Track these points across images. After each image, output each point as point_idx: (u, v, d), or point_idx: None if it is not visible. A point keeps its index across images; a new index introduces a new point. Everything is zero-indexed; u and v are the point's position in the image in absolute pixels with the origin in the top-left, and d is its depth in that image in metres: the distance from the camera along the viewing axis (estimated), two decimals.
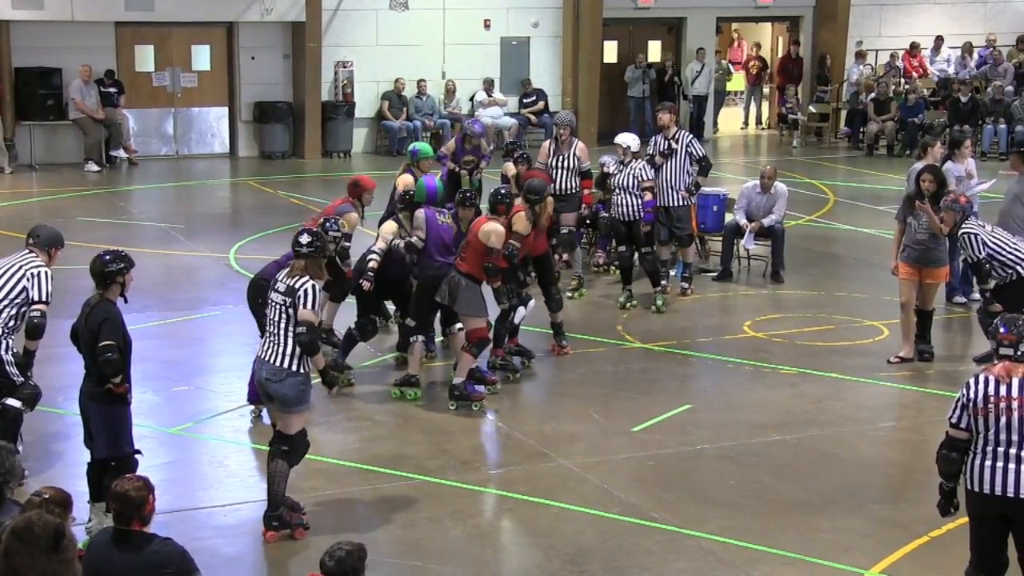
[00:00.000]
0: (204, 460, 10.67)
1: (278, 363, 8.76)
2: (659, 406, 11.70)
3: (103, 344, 8.50)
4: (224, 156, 26.26)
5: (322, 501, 9.60)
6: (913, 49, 29.81)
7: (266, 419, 11.18)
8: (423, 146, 14.45)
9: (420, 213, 11.95)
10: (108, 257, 8.74)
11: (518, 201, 12.26)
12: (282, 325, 8.79)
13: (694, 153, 15.15)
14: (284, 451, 8.83)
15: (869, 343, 13.76)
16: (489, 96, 27.08)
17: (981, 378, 7.31)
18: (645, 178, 14.38)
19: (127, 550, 6.23)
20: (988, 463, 7.23)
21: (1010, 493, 7.17)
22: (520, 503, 9.68)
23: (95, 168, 24.25)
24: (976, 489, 7.30)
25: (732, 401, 12.03)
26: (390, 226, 12.35)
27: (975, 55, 29.85)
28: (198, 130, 26.38)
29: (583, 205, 15.36)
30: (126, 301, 8.83)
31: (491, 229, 11.55)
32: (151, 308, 14.63)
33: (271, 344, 8.85)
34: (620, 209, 14.48)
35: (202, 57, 26.15)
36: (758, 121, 32.08)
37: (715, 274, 16.22)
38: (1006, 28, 30.81)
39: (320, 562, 6.21)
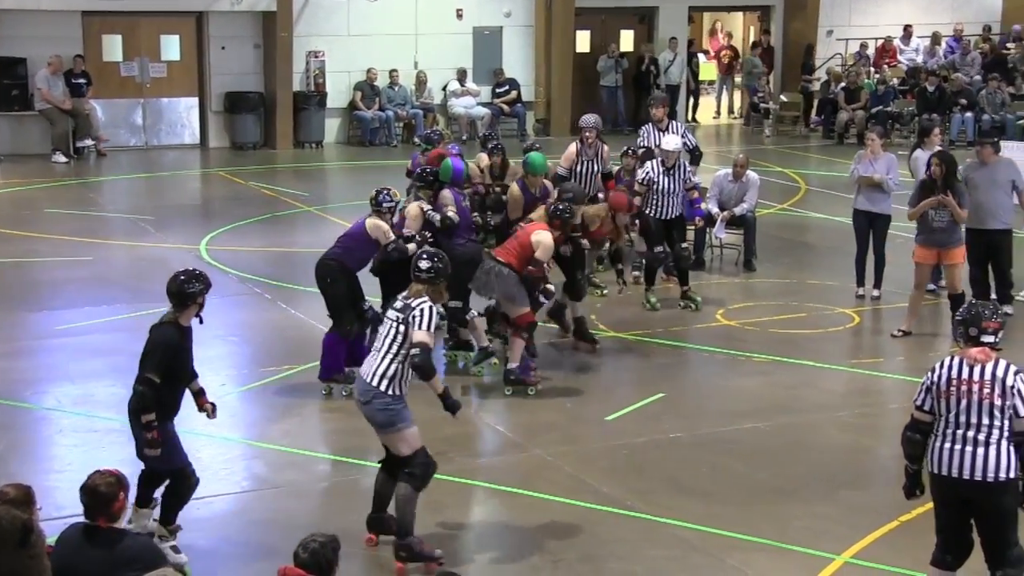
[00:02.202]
0: None
1: (369, 380, 8.33)
2: (632, 395, 11.71)
3: (143, 375, 8.18)
4: (194, 147, 26.14)
5: (296, 493, 9.57)
6: (887, 42, 29.93)
7: (336, 395, 11.51)
8: (536, 158, 13.67)
9: (447, 192, 12.31)
10: (184, 277, 8.43)
11: (514, 186, 12.62)
12: (387, 342, 8.35)
13: (687, 143, 15.16)
14: (407, 474, 8.36)
15: (841, 330, 13.82)
16: (462, 86, 27.04)
17: (947, 360, 7.38)
18: (691, 179, 14.43)
19: (97, 545, 6.18)
20: (947, 445, 7.29)
21: (966, 475, 7.22)
22: (494, 493, 9.69)
23: (63, 159, 24.06)
24: (937, 472, 7.37)
25: (705, 389, 12.06)
26: (415, 208, 12.34)
27: (943, 44, 29.99)
28: (168, 120, 26.24)
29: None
30: (201, 322, 8.59)
31: (542, 240, 11.71)
32: (120, 300, 14.59)
33: (371, 360, 8.44)
34: (663, 210, 14.12)
35: (171, 47, 26.00)
36: (730, 110, 32.14)
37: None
38: (973, 18, 31.00)
39: (294, 554, 6.19)
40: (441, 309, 11.65)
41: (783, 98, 29.37)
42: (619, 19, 29.62)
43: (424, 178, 12.67)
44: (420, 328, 8.24)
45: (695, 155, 15.39)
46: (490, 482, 9.84)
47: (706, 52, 34.07)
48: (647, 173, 14.08)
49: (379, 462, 8.72)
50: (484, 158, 16.13)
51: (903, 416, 11.49)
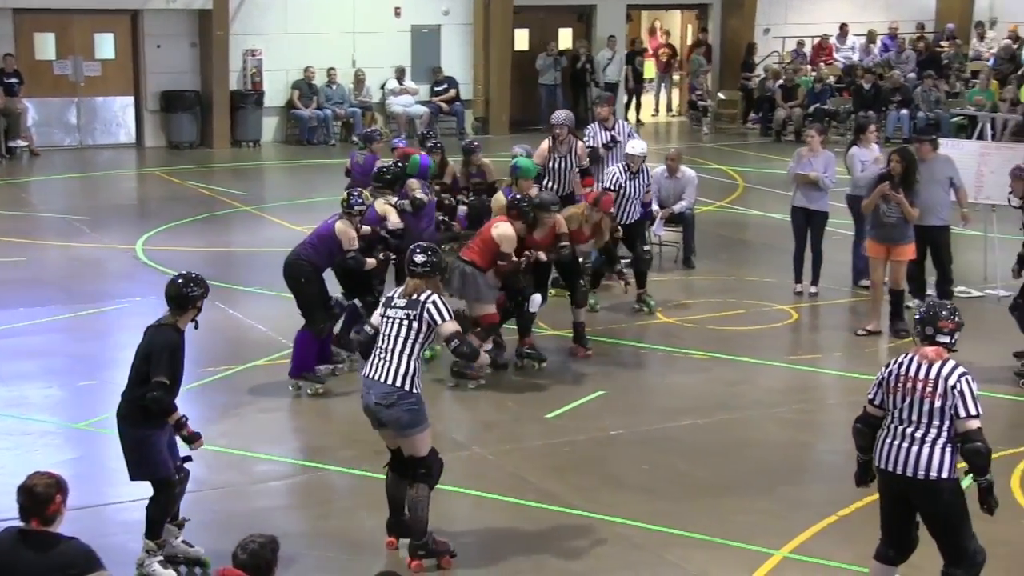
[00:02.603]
0: (112, 455, 10.41)
1: (389, 382, 8.11)
2: (573, 393, 11.72)
3: (154, 380, 7.98)
4: (130, 146, 25.92)
5: (235, 494, 9.51)
6: (824, 40, 30.15)
7: (304, 394, 11.50)
8: (525, 163, 13.26)
9: (414, 181, 12.68)
10: (183, 281, 8.26)
11: (500, 195, 12.74)
12: (399, 341, 8.16)
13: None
14: (423, 474, 8.29)
15: (779, 327, 13.89)
16: (400, 84, 26.98)
17: (903, 357, 7.41)
18: (650, 182, 14.49)
19: (31, 549, 6.08)
20: (889, 440, 7.33)
21: (899, 471, 7.26)
22: (435, 492, 9.62)
23: None
24: (878, 465, 7.42)
25: (645, 386, 12.09)
26: (385, 206, 12.45)
27: (878, 43, 30.25)
28: (103, 120, 26.00)
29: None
30: (196, 327, 8.42)
31: (503, 232, 11.70)
32: (56, 301, 14.45)
33: (382, 362, 8.20)
34: (627, 213, 14.03)
35: (106, 45, 25.77)
36: (668, 108, 32.26)
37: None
38: (907, 16, 31.31)
39: (232, 555, 6.14)
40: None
41: (721, 96, 29.50)
42: (558, 17, 29.66)
43: (382, 177, 12.73)
44: (444, 320, 8.19)
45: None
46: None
47: (644, 51, 34.14)
48: (616, 177, 14.01)
49: (385, 465, 8.60)
50: None
51: (841, 412, 11.65)
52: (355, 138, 23.11)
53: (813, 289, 14.89)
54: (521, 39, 29.06)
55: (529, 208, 11.97)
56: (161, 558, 8.23)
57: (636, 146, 14.22)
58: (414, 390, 8.18)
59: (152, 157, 25.02)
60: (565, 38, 29.58)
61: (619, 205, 13.88)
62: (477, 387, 11.74)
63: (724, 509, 9.31)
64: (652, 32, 35.29)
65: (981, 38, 30.19)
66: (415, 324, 8.18)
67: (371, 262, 11.81)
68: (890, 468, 7.31)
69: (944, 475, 7.18)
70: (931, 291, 14.36)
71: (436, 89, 27.43)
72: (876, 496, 9.45)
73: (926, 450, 7.20)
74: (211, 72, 25.46)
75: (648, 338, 13.34)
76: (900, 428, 7.30)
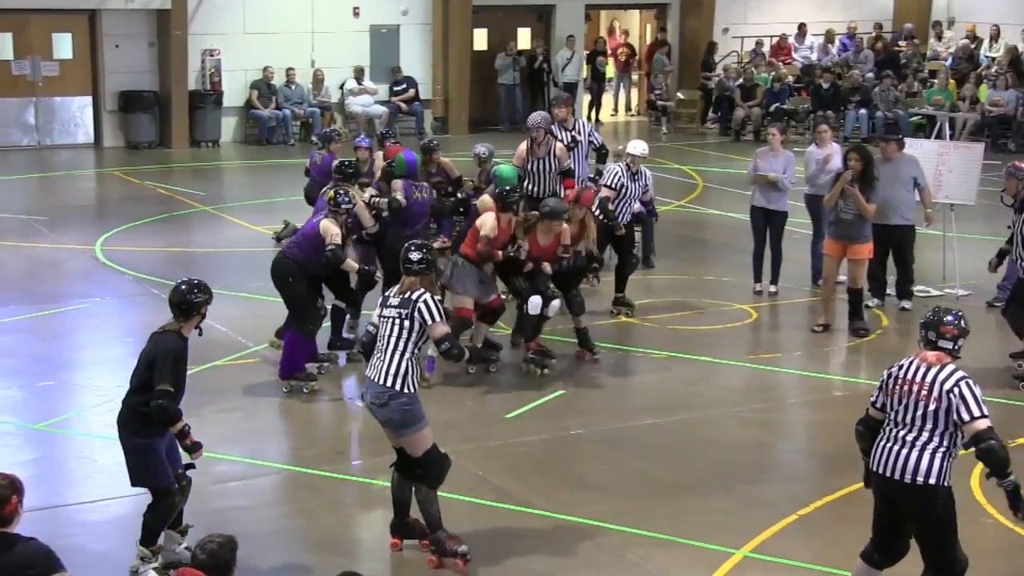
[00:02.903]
0: (71, 456, 10.49)
1: (381, 381, 8.16)
2: (532, 392, 11.73)
3: (158, 389, 7.85)
4: (88, 146, 25.76)
5: (194, 494, 9.47)
6: (782, 40, 30.27)
7: (300, 392, 11.50)
8: (506, 171, 13.10)
9: (398, 182, 12.81)
10: (187, 287, 8.15)
11: (486, 197, 12.68)
12: (392, 340, 8.20)
13: (594, 142, 15.08)
14: (419, 475, 8.31)
15: (738, 326, 13.94)
16: (359, 84, 26.93)
17: (906, 360, 7.31)
18: (649, 185, 14.48)
19: None
20: (884, 443, 7.26)
21: (888, 473, 7.20)
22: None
23: None
24: (873, 467, 7.33)
25: (605, 386, 12.11)
26: (360, 204, 12.60)
27: (837, 42, 30.40)
28: (61, 120, 25.82)
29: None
30: (200, 334, 8.34)
31: (484, 220, 11.87)
32: (14, 302, 14.37)
33: (378, 361, 8.26)
34: (624, 215, 13.98)
35: (64, 45, 25.60)
36: (628, 108, 32.32)
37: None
38: (866, 16, 31.46)
39: (191, 555, 6.14)
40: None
41: (680, 96, 29.58)
42: (516, 17, 29.67)
43: (343, 170, 12.86)
44: (435, 320, 8.21)
45: (601, 153, 15.35)
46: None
47: (605, 51, 34.20)
48: (618, 176, 13.88)
49: (391, 465, 8.56)
50: (382, 156, 16.05)
51: (800, 411, 11.74)
52: (314, 138, 23.04)
53: (772, 288, 14.96)
54: (480, 39, 29.04)
55: (515, 200, 12.06)
56: (156, 565, 8.14)
57: (637, 146, 14.12)
58: (406, 389, 8.18)
59: (111, 157, 24.88)
60: (524, 38, 29.59)
61: (619, 205, 13.86)
62: (429, 386, 11.74)
63: (684, 508, 9.35)
64: (611, 32, 35.36)
65: (939, 37, 30.37)
66: (407, 323, 8.21)
67: (351, 263, 11.86)
68: (882, 471, 7.24)
69: (933, 481, 7.09)
70: (891, 291, 14.47)
71: (395, 89, 27.38)
72: (835, 495, 9.58)
73: (915, 454, 7.12)
74: (170, 72, 25.35)
75: (608, 337, 13.35)
76: (895, 431, 7.24)
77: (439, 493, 8.42)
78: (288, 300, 11.78)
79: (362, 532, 9.17)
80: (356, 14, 27.28)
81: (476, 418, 11.20)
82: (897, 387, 7.25)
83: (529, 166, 14.20)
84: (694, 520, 9.12)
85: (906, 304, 14.35)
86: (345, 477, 9.83)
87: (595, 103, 30.41)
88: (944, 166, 14.81)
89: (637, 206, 14.83)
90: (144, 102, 25.51)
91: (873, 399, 7.46)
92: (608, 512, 9.19)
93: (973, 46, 29.14)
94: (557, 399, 11.60)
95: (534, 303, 11.94)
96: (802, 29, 30.49)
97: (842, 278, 14.01)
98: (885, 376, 7.37)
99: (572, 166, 14.35)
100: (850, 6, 31.62)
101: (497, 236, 11.83)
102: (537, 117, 14.49)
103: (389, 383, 8.16)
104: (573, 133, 14.84)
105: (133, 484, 8.21)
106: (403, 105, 27.31)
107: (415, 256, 8.41)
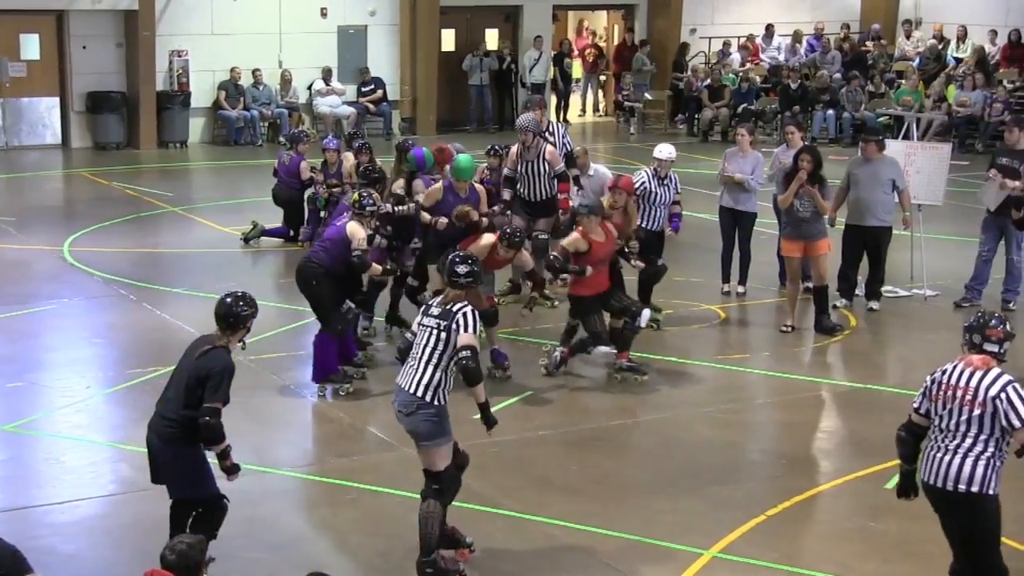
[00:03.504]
0: (40, 457, 10.44)
1: (411, 390, 8.07)
2: (500, 393, 11.71)
3: (208, 406, 7.68)
4: (56, 147, 25.64)
5: (163, 495, 9.45)
6: (750, 40, 30.38)
7: (329, 396, 11.51)
8: (465, 161, 12.92)
9: (419, 181, 12.91)
10: (232, 300, 7.99)
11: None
12: (427, 350, 8.09)
13: (567, 145, 15.00)
14: (435, 490, 8.15)
15: (707, 326, 13.98)
16: (327, 85, 26.90)
17: (950, 365, 7.23)
18: (679, 190, 13.90)
19: None
20: (930, 451, 7.16)
21: (931, 480, 7.12)
22: (363, 493, 9.66)
23: None
24: (923, 477, 7.23)
25: (573, 386, 12.11)
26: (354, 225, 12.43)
27: (804, 43, 30.51)
28: (28, 121, 25.69)
29: (561, 211, 14.09)
30: (244, 347, 8.22)
31: (481, 241, 11.71)
32: None
33: (410, 370, 8.16)
34: (653, 221, 13.51)
35: (31, 46, 25.47)
36: (595, 108, 32.36)
37: None
38: (833, 16, 31.57)
39: (160, 556, 6.13)
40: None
41: (648, 96, 29.63)
42: (484, 18, 29.68)
43: (368, 175, 13.19)
44: (466, 331, 8.07)
45: (569, 158, 15.24)
46: (360, 482, 9.80)
47: (568, 53, 34.23)
48: (643, 182, 13.43)
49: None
50: (350, 157, 16.06)
51: (768, 412, 11.78)
52: (282, 139, 22.98)
53: (741, 289, 15.00)
54: (448, 39, 29.04)
55: (521, 240, 11.89)
56: None
57: (663, 150, 13.58)
58: (436, 401, 8.11)
59: (78, 158, 24.78)
60: (492, 39, 29.59)
61: (644, 212, 13.47)
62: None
63: (653, 509, 9.37)
64: (579, 32, 35.40)
65: (908, 36, 30.52)
66: (443, 335, 8.11)
67: (376, 268, 11.87)
68: (930, 480, 7.14)
69: (977, 488, 6.99)
70: (859, 291, 14.54)
71: (363, 90, 27.36)
72: (803, 496, 9.64)
73: (957, 460, 7.02)
74: (137, 73, 25.27)
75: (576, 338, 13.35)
76: (940, 438, 7.13)
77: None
78: (313, 304, 11.79)
79: (330, 533, 9.16)
80: (324, 15, 27.26)
81: None
82: (942, 392, 7.15)
83: (520, 169, 14.19)
84: (662, 521, 9.14)
85: (874, 305, 14.42)
86: (313, 478, 9.82)
87: (562, 104, 30.43)
88: (912, 166, 14.88)
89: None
90: (112, 103, 25.43)
91: (916, 405, 7.36)
92: (576, 513, 9.21)
93: (940, 46, 29.29)
94: (525, 399, 11.61)
95: (646, 315, 11.82)
96: (769, 30, 30.60)
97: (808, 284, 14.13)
98: (929, 382, 7.27)
99: (564, 169, 14.17)
100: (817, 6, 31.74)
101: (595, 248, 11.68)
102: (526, 119, 14.39)
103: (419, 393, 8.08)
104: (546, 135, 14.76)
105: (179, 496, 8.04)
106: (371, 106, 27.29)
107: (462, 269, 8.33)
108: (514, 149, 14.32)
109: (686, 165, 24.52)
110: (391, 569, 8.46)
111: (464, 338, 8.06)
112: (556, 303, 14.30)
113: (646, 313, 11.95)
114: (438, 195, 12.71)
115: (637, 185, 13.31)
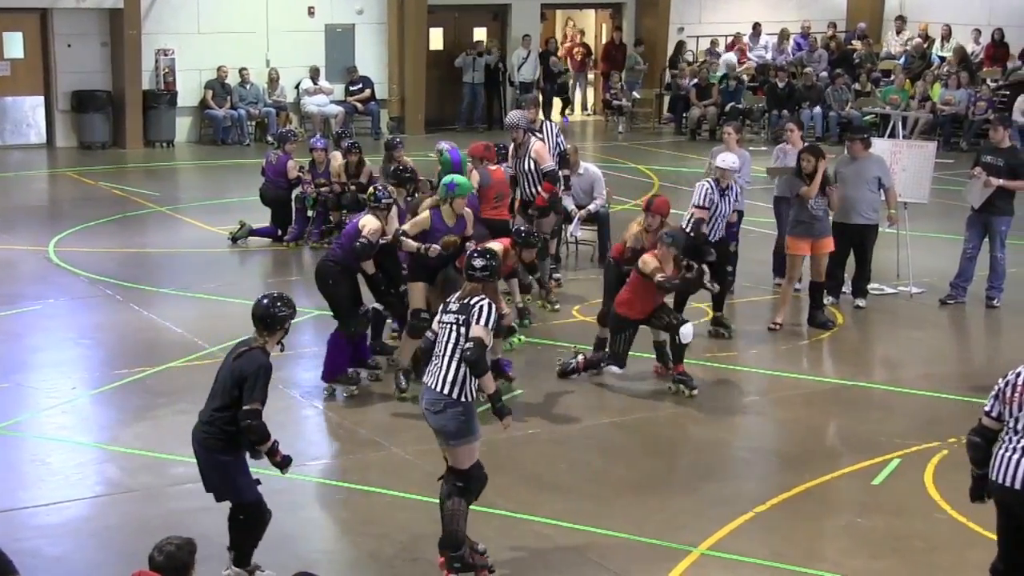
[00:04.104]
0: (25, 458, 10.39)
1: (438, 389, 8.07)
2: None
3: (248, 408, 7.65)
4: (40, 147, 25.52)
5: (150, 496, 9.43)
6: (737, 39, 30.41)
7: (339, 397, 11.46)
8: (462, 181, 12.16)
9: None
10: (268, 301, 7.93)
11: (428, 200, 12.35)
12: (450, 346, 8.11)
13: (560, 144, 14.95)
14: (459, 487, 8.11)
15: (696, 325, 13.92)
16: (315, 84, 26.84)
17: (1020, 367, 7.18)
18: (740, 199, 13.64)
19: None
20: (1002, 452, 7.10)
21: (1001, 479, 7.05)
22: (353, 492, 9.64)
23: None
24: (992, 478, 7.16)
25: (563, 385, 12.09)
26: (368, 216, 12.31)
27: (791, 41, 30.55)
28: (12, 120, 25.56)
29: (535, 207, 14.07)
30: (282, 349, 8.15)
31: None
32: None
33: (435, 368, 8.18)
34: (713, 232, 13.00)
35: (15, 44, 25.35)
36: (584, 107, 32.36)
37: None
38: (820, 15, 31.62)
39: (149, 557, 6.10)
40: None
41: (636, 95, 29.63)
42: (472, 16, 29.65)
43: (399, 175, 13.00)
44: (479, 323, 8.09)
45: (565, 157, 15.21)
46: (348, 481, 9.78)
47: (555, 52, 34.22)
48: (708, 192, 12.86)
49: (440, 478, 8.36)
50: (339, 156, 16.04)
51: (758, 409, 11.77)
52: (269, 138, 22.96)
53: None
54: (436, 38, 29.01)
55: (537, 240, 11.88)
56: None
57: (726, 159, 13.04)
58: (463, 399, 8.09)
59: (63, 158, 24.68)
60: (480, 37, 29.55)
61: (711, 224, 12.96)
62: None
63: (643, 507, 9.36)
64: (564, 33, 35.37)
65: (898, 33, 30.55)
66: (463, 329, 8.12)
67: (370, 265, 11.68)
68: (1000, 480, 7.07)
69: None
70: (846, 289, 14.55)
71: (351, 89, 27.30)
72: (793, 492, 9.64)
73: None
74: (123, 72, 25.16)
75: (565, 337, 13.35)
76: (1014, 440, 7.07)
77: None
78: (331, 303, 11.73)
79: (319, 533, 9.14)
80: (311, 13, 27.20)
81: None
82: (1016, 394, 7.09)
83: (515, 167, 14.18)
84: (653, 519, 9.13)
85: (860, 302, 14.43)
86: (302, 478, 9.78)
87: (548, 102, 30.39)
88: (897, 164, 14.90)
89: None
90: (97, 102, 25.32)
91: (988, 408, 7.29)
92: (567, 511, 9.19)
93: (926, 45, 29.34)
94: (515, 398, 11.58)
95: (686, 333, 11.67)
96: (757, 29, 30.63)
97: (798, 286, 14.16)
98: (1002, 384, 7.20)
99: (553, 167, 14.10)
100: (804, 5, 31.78)
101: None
102: (514, 116, 14.35)
103: (446, 391, 8.07)
104: (540, 135, 14.71)
105: (220, 500, 8.03)
106: (359, 105, 27.23)
107: (479, 263, 8.35)
108: (511, 149, 14.38)
109: (674, 164, 24.62)
110: (381, 569, 8.43)
111: (475, 329, 8.08)
112: (558, 306, 14.37)
113: (685, 329, 11.74)
114: (425, 224, 12.25)
115: (703, 199, 12.87)
